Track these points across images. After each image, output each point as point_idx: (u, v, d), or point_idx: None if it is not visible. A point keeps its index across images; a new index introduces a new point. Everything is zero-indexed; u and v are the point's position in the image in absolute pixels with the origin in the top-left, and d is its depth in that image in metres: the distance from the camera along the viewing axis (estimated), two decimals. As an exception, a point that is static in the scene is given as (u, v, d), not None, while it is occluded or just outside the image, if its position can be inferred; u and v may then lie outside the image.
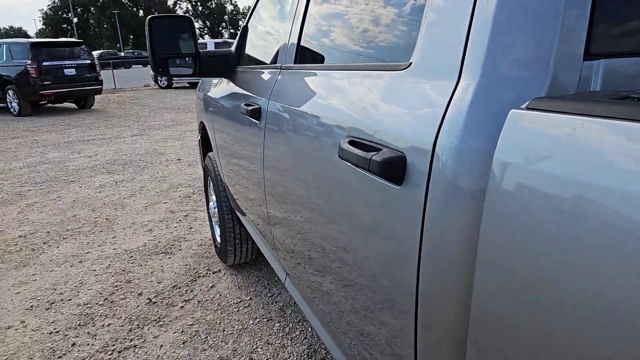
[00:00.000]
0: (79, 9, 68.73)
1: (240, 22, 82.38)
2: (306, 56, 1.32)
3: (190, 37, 1.93)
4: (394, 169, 0.70)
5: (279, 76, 1.41)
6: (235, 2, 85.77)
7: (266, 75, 1.57)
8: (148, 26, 1.81)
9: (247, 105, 1.59)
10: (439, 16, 0.72)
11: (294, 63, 1.34)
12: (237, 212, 2.38)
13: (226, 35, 75.94)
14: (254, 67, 1.77)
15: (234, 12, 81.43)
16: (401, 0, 0.88)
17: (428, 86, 0.71)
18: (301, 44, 1.34)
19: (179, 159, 5.68)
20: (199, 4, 78.74)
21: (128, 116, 9.94)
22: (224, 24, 79.00)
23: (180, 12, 77.58)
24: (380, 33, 0.93)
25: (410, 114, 0.72)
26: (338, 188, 0.92)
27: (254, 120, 1.51)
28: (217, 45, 17.89)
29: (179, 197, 4.20)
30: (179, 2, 77.75)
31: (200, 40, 22.30)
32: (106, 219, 3.72)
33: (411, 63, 0.76)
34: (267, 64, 1.69)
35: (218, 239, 2.81)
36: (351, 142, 0.83)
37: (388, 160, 0.70)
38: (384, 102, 0.80)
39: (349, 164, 0.83)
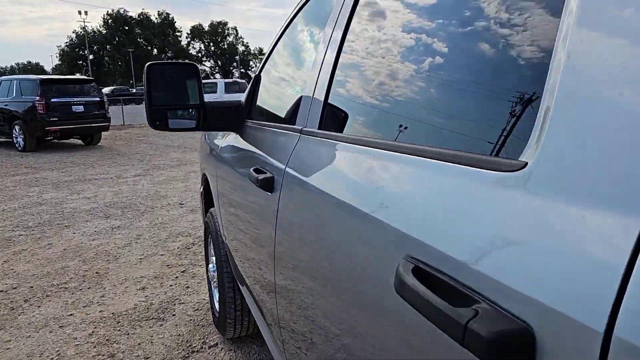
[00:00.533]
0: (95, 47, 70.59)
1: (251, 63, 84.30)
2: (336, 122, 1.05)
3: (195, 86, 1.69)
4: (514, 353, 0.40)
5: (298, 142, 1.14)
6: (247, 43, 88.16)
7: (282, 137, 1.30)
8: (146, 74, 1.56)
9: (257, 171, 1.32)
10: (592, 75, 0.44)
11: (319, 128, 1.06)
12: (239, 283, 2.07)
13: (236, 74, 77.44)
14: (267, 124, 1.51)
15: (245, 53, 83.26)
16: (503, 43, 0.60)
17: (570, 212, 0.42)
18: (329, 102, 1.07)
19: (181, 204, 5.41)
20: (211, 44, 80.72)
21: (133, 154, 9.77)
22: (235, 63, 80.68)
23: (193, 52, 79.52)
24: (460, 103, 0.66)
25: (535, 254, 0.43)
26: (392, 334, 0.62)
27: (265, 192, 1.23)
28: (227, 85, 18.06)
29: (178, 248, 3.89)
30: (192, 42, 79.82)
31: (211, 80, 22.54)
32: (96, 272, 3.40)
33: (526, 164, 0.47)
34: (282, 121, 1.43)
35: (216, 305, 2.48)
36: (416, 272, 0.54)
37: (504, 338, 0.40)
38: (477, 219, 0.51)
39: (417, 312, 0.53)
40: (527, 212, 0.46)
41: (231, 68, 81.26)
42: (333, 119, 1.06)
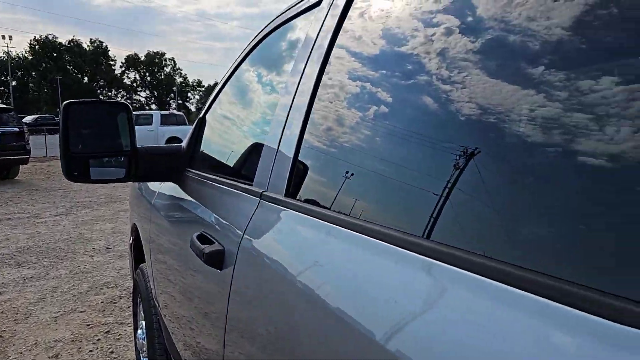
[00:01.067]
0: (19, 73, 66.39)
1: (190, 94, 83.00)
2: (310, 189, 0.83)
3: (126, 129, 1.41)
4: None
5: (258, 208, 0.91)
6: (185, 74, 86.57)
7: (234, 198, 1.06)
8: (63, 115, 1.28)
9: (201, 240, 1.06)
10: None
11: (286, 195, 0.84)
12: (171, 355, 1.75)
13: (174, 105, 75.64)
14: (214, 178, 1.26)
15: (183, 84, 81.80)
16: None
17: None
18: (299, 161, 0.85)
19: (108, 248, 4.89)
20: (147, 74, 78.64)
21: (55, 190, 8.96)
22: (172, 94, 78.85)
23: (127, 81, 77.05)
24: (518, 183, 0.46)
25: None
26: None
27: (212, 269, 0.98)
28: (163, 117, 17.36)
29: (102, 302, 3.43)
30: (127, 71, 77.36)
31: (146, 111, 21.72)
32: (0, 336, 2.88)
33: None
34: (234, 177, 1.19)
35: (146, 379, 2.12)
36: None
37: None
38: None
39: None
40: None
41: (168, 99, 79.45)
42: (306, 184, 0.84)
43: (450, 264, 0.46)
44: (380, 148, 0.72)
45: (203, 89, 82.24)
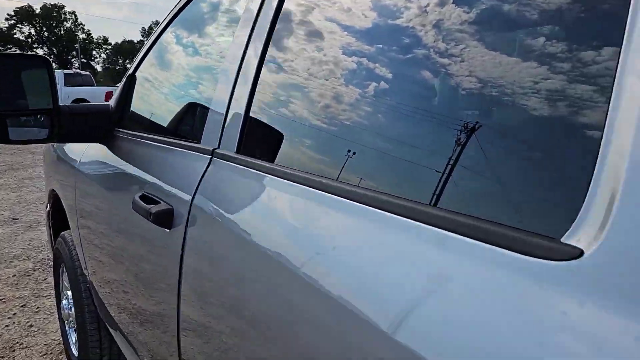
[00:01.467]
0: None
1: (94, 52, 76.28)
2: (263, 147, 0.84)
3: (47, 85, 1.30)
4: None
5: (210, 166, 0.90)
6: (89, 30, 79.02)
7: (179, 157, 1.04)
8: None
9: (145, 200, 1.03)
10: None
11: (237, 152, 0.84)
12: (107, 325, 1.70)
13: (76, 64, 69.10)
14: (152, 138, 1.21)
15: (87, 42, 74.80)
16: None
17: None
18: (251, 115, 0.85)
19: (14, 219, 4.50)
20: (44, 29, 70.73)
21: (-57, 157, 7.97)
22: (74, 52, 71.79)
23: (21, 37, 68.88)
24: (464, 136, 0.50)
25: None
26: None
27: (161, 229, 0.96)
28: (67, 76, 15.79)
29: (13, 276, 3.19)
30: (18, 25, 68.93)
31: (46, 70, 19.61)
32: None
33: (581, 253, 0.34)
34: (176, 136, 1.16)
35: (74, 350, 2.04)
36: None
37: None
38: (499, 327, 0.36)
39: None
40: (583, 329, 0.32)
41: (70, 57, 72.44)
42: (259, 142, 0.85)
43: (405, 217, 0.48)
44: (334, 105, 0.74)
45: (110, 47, 76.00)
